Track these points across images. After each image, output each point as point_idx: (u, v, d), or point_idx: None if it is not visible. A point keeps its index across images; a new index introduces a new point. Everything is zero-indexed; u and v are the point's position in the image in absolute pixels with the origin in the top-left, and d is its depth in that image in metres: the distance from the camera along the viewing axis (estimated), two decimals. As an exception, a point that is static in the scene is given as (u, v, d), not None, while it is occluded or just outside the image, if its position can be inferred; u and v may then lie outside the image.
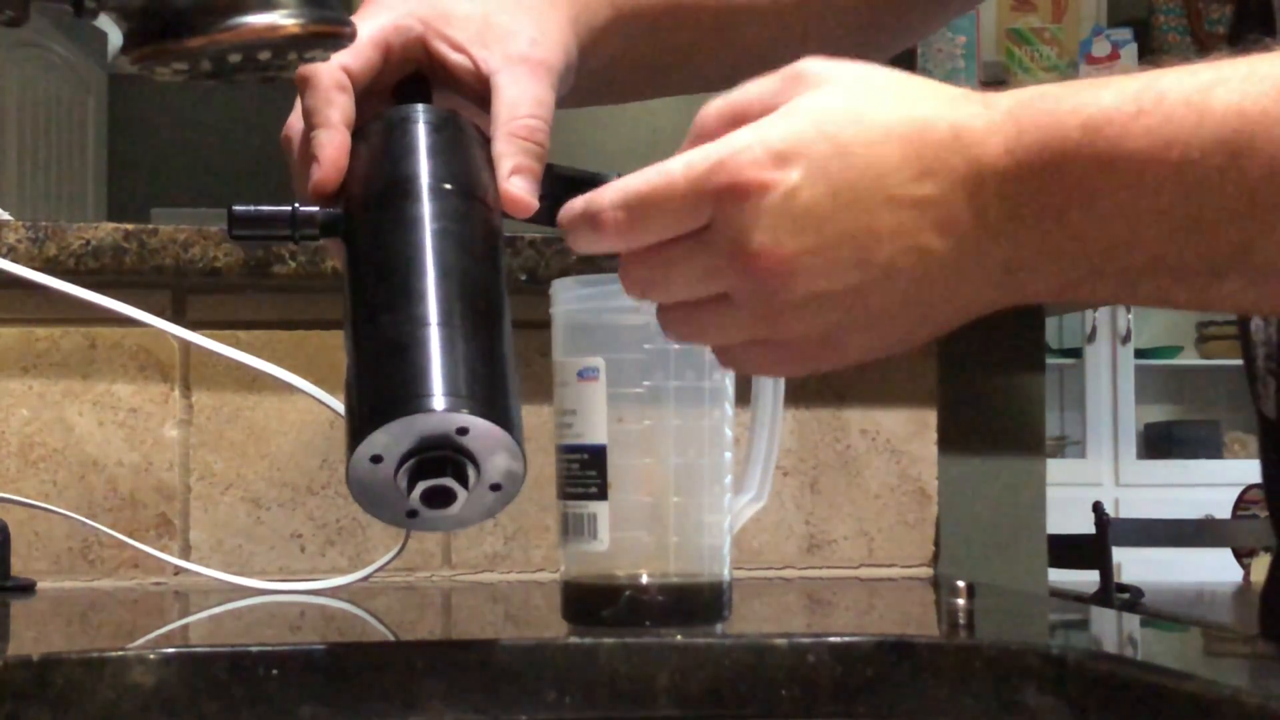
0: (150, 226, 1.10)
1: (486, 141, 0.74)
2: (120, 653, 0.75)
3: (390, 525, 0.70)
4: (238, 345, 1.00)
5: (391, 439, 0.65)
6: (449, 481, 0.66)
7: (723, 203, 0.58)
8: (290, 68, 0.69)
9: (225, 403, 1.13)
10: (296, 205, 0.72)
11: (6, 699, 0.72)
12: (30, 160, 5.23)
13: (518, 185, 0.72)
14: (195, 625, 0.99)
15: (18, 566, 1.06)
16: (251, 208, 0.72)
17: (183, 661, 0.75)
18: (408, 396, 0.65)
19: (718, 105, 0.62)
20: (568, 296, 0.83)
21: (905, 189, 0.57)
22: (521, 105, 0.74)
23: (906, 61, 0.83)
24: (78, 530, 1.10)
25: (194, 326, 1.03)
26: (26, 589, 1.05)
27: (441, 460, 0.66)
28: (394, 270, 0.69)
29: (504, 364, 0.69)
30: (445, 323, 0.67)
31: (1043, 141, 0.56)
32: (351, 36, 0.69)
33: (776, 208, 0.57)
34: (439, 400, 0.65)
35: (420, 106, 0.75)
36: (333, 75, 0.73)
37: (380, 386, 0.66)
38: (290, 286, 1.12)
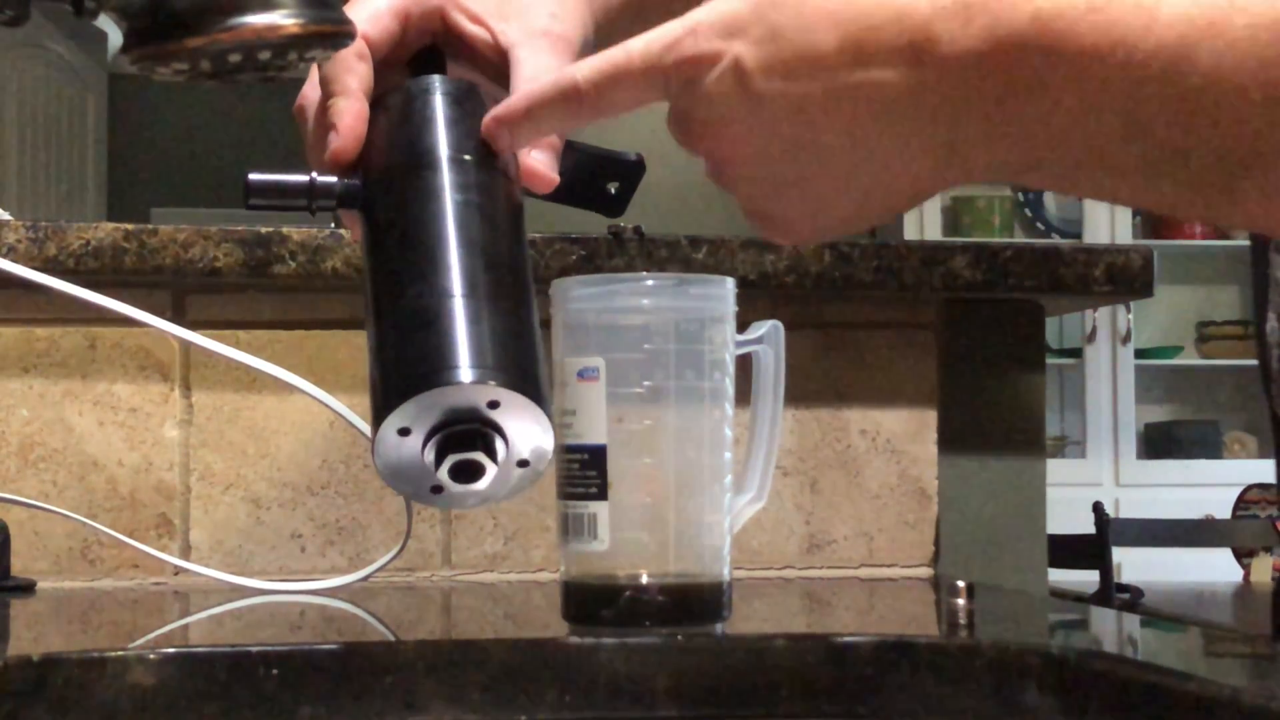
0: (150, 226, 1.10)
1: None
2: (120, 653, 0.75)
3: (415, 501, 0.68)
4: (238, 345, 1.00)
5: (420, 411, 0.64)
6: (478, 455, 0.64)
7: (673, 79, 0.62)
8: (290, 68, 0.69)
9: (225, 403, 1.13)
10: (314, 175, 0.71)
11: (6, 699, 0.72)
12: (30, 160, 5.23)
13: (539, 160, 0.72)
14: (195, 625, 0.99)
15: (18, 566, 1.06)
16: (268, 176, 0.71)
17: (183, 661, 0.75)
18: (438, 368, 0.64)
19: None
20: (567, 296, 0.83)
21: (840, 75, 0.59)
22: (541, 79, 0.74)
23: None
24: (78, 530, 1.10)
25: (194, 326, 1.03)
26: (26, 589, 1.05)
27: (471, 434, 0.64)
28: (417, 241, 0.68)
29: (533, 336, 0.67)
30: (471, 294, 0.66)
31: (990, 28, 0.56)
32: (352, 36, 0.69)
33: (719, 81, 0.60)
34: (469, 372, 0.63)
35: (440, 78, 0.74)
36: (353, 45, 0.73)
37: (409, 358, 0.65)
38: (290, 286, 1.12)
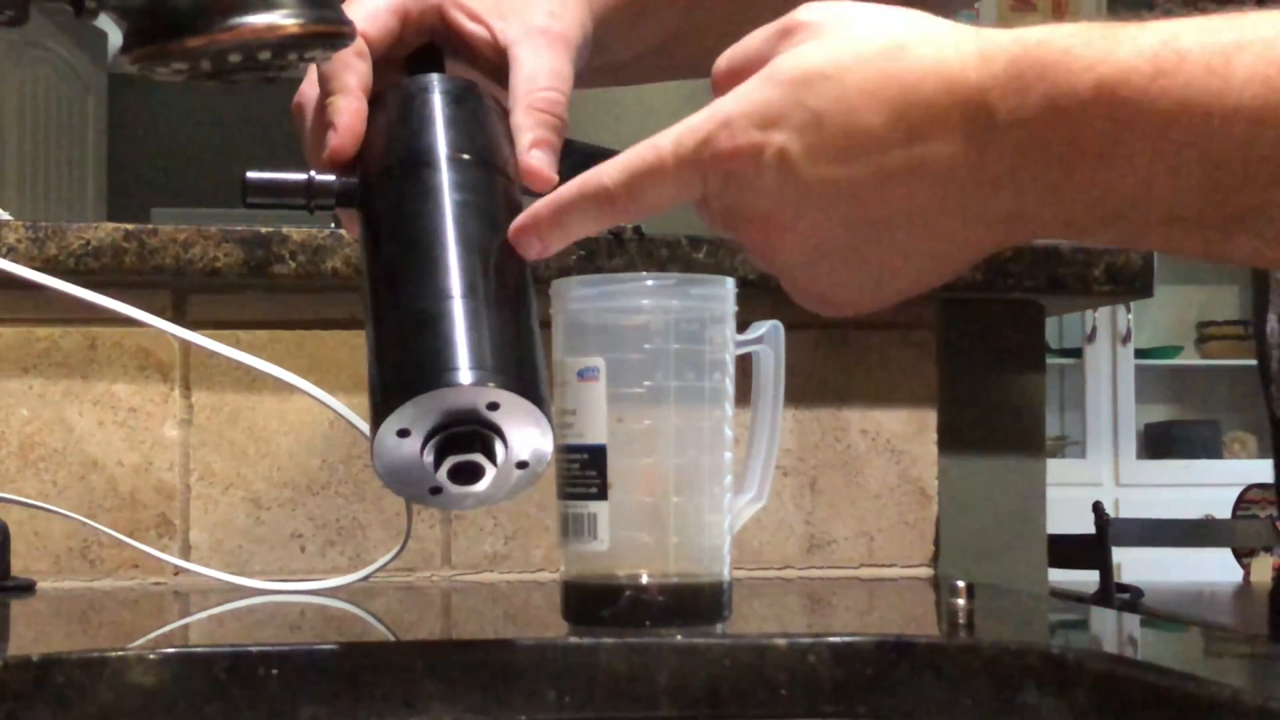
0: (150, 226, 1.10)
1: (505, 114, 0.73)
2: (120, 653, 0.75)
3: (413, 502, 0.69)
4: (238, 345, 1.00)
5: (420, 412, 0.64)
6: (477, 457, 0.64)
7: (711, 176, 0.60)
8: (290, 68, 0.69)
9: (225, 403, 1.13)
10: (313, 174, 0.70)
11: (6, 699, 0.72)
12: (30, 160, 5.23)
13: (538, 158, 0.72)
14: (195, 625, 0.99)
15: (18, 566, 1.06)
16: (266, 175, 0.70)
17: (183, 661, 0.75)
18: (437, 370, 0.63)
19: (725, 58, 0.64)
20: (568, 296, 0.83)
21: (893, 154, 0.57)
22: (540, 77, 0.73)
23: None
24: (78, 530, 1.10)
25: (194, 326, 1.03)
26: (26, 589, 1.05)
27: (470, 435, 0.64)
28: (416, 241, 0.67)
29: (532, 338, 0.67)
30: (470, 295, 0.65)
31: (1051, 97, 0.55)
32: (352, 36, 0.69)
33: (763, 174, 0.59)
34: (468, 374, 0.63)
35: (439, 76, 0.73)
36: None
37: (408, 359, 0.65)
38: (290, 286, 1.12)
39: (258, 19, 0.65)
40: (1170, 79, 0.54)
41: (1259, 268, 0.89)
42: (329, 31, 0.67)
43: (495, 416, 0.64)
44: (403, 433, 0.64)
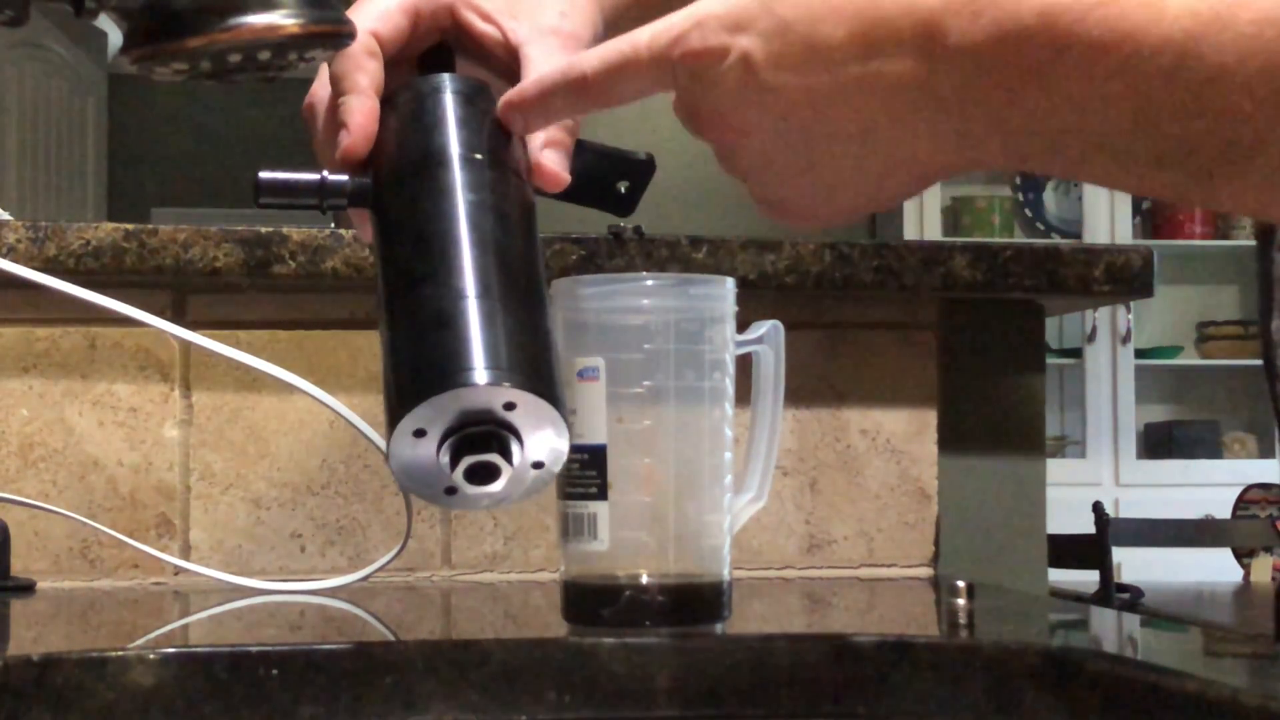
0: (150, 226, 1.10)
1: None
2: (120, 653, 0.75)
3: (430, 503, 0.68)
4: (238, 345, 1.00)
5: (435, 413, 0.63)
6: (494, 458, 0.64)
7: (680, 72, 0.63)
8: (290, 68, 0.69)
9: (225, 403, 1.13)
10: (325, 173, 0.70)
11: (6, 699, 0.72)
12: (30, 160, 5.23)
13: (550, 159, 0.72)
14: (195, 625, 0.99)
15: (18, 566, 1.06)
16: (278, 175, 0.70)
17: (183, 661, 0.75)
18: (453, 370, 0.63)
19: None
20: (568, 296, 0.83)
21: (849, 67, 0.59)
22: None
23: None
24: (78, 530, 1.10)
25: (194, 326, 1.03)
26: (26, 589, 1.05)
27: (487, 436, 0.64)
28: (429, 241, 0.67)
29: (547, 337, 0.67)
30: (485, 294, 0.65)
31: (997, 22, 0.57)
32: (352, 36, 0.69)
33: (727, 75, 0.61)
34: (484, 374, 0.63)
35: (450, 76, 0.73)
36: (363, 41, 0.72)
37: (423, 360, 0.64)
38: (290, 286, 1.12)
39: (258, 19, 0.65)
40: (1107, 9, 0.55)
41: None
42: (329, 31, 0.67)
43: (511, 417, 0.64)
44: (419, 433, 0.64)
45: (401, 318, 0.67)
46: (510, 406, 0.64)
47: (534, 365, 0.65)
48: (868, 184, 0.63)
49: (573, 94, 0.67)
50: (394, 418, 0.64)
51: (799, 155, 0.62)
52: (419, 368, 0.64)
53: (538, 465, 0.67)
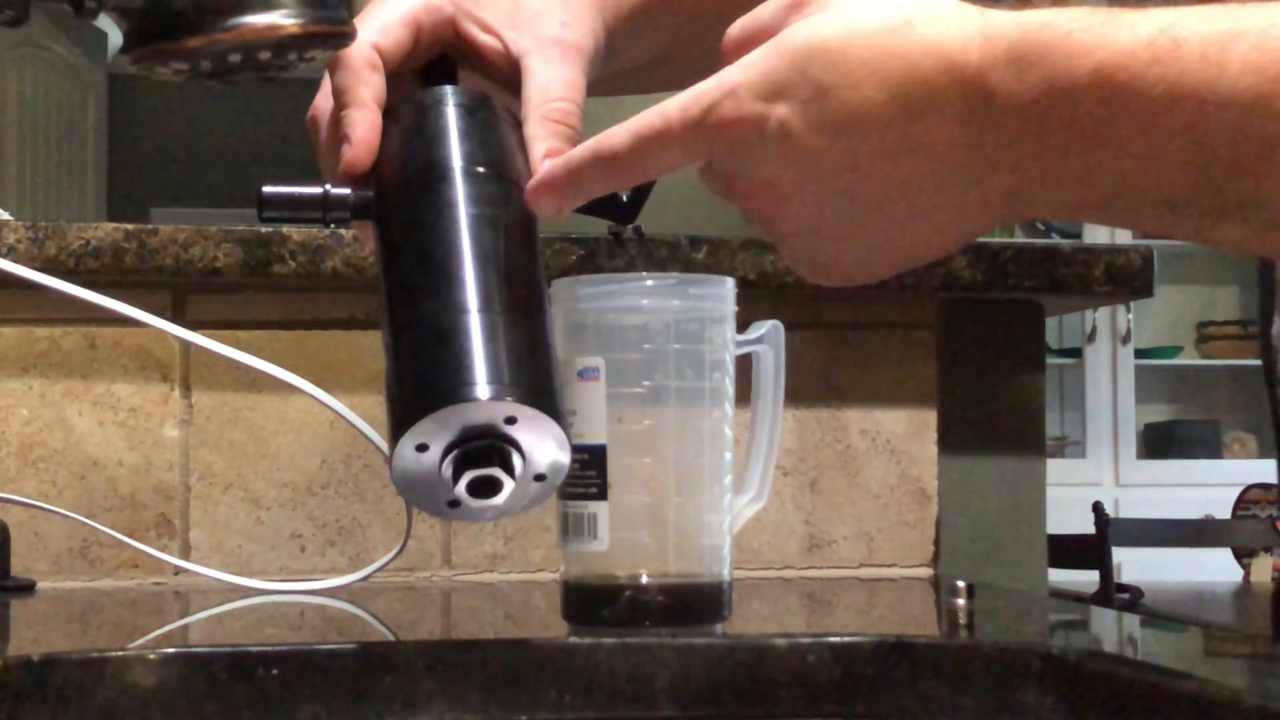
0: (150, 226, 1.10)
1: (518, 125, 0.73)
2: (120, 653, 0.75)
3: (431, 516, 0.69)
4: (238, 345, 1.00)
5: (438, 427, 0.64)
6: (496, 471, 0.64)
7: (715, 143, 0.61)
8: (290, 68, 0.69)
9: (225, 403, 1.13)
10: (328, 187, 0.70)
11: (6, 699, 0.72)
12: (30, 160, 5.23)
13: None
14: (195, 625, 0.99)
15: (18, 566, 1.06)
16: (282, 189, 0.70)
17: (183, 661, 0.75)
18: (455, 385, 0.64)
19: (736, 27, 0.64)
20: (568, 296, 0.83)
21: (892, 130, 0.58)
22: (553, 88, 0.73)
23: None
24: (78, 530, 1.10)
25: (194, 326, 1.03)
26: (26, 589, 1.05)
27: (489, 450, 0.64)
28: (432, 255, 0.68)
29: (548, 351, 0.68)
30: (486, 309, 0.65)
31: (1049, 80, 0.55)
32: (352, 36, 0.69)
33: (765, 143, 0.60)
34: (486, 389, 0.63)
35: (452, 89, 0.74)
36: (364, 54, 0.72)
37: (425, 374, 0.65)
38: (290, 286, 1.12)
39: (258, 19, 0.65)
40: (1166, 66, 0.54)
41: (1248, 254, 0.90)
42: (329, 32, 0.67)
43: (513, 430, 0.65)
44: (421, 447, 0.65)
45: (404, 332, 0.67)
46: (512, 420, 0.64)
47: (535, 379, 0.65)
48: (911, 244, 0.62)
49: (604, 170, 0.66)
50: (396, 432, 0.65)
51: (842, 219, 0.61)
52: (421, 383, 0.65)
53: (539, 478, 0.67)
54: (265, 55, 0.66)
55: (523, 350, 0.66)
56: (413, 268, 0.68)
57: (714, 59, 0.88)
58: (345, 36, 0.68)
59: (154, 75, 0.67)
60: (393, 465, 0.65)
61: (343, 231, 1.10)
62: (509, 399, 0.64)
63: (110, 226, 1.09)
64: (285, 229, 1.10)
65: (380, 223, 0.71)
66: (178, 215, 5.60)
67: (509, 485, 0.65)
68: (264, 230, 1.10)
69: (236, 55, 0.65)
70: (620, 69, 0.84)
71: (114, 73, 5.82)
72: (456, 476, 0.65)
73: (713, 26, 0.87)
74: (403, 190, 0.70)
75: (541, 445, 0.66)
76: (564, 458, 0.67)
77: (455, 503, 0.66)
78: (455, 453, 0.65)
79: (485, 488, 0.65)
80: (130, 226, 1.10)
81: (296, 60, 0.68)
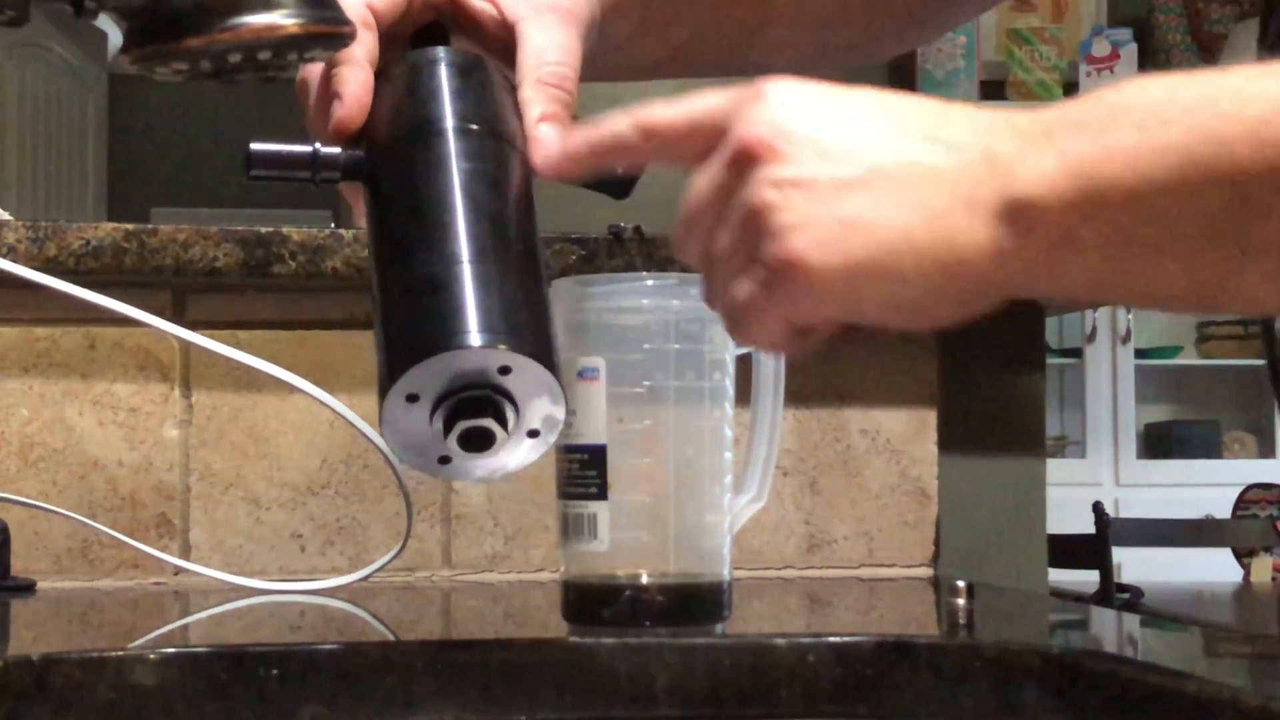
0: (150, 226, 1.10)
1: (513, 89, 0.72)
2: (120, 653, 0.75)
3: (424, 473, 0.67)
4: (238, 345, 1.00)
5: (429, 377, 0.62)
6: (488, 422, 0.63)
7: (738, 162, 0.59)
8: (290, 68, 0.69)
9: (225, 403, 1.13)
10: (318, 145, 0.69)
11: (6, 699, 0.72)
12: (30, 160, 5.23)
13: (546, 133, 0.71)
14: (195, 625, 0.99)
15: (18, 566, 1.06)
16: (271, 146, 0.69)
17: (183, 661, 0.75)
18: (447, 333, 0.62)
19: (678, 111, 0.62)
20: (568, 296, 0.83)
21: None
22: (549, 52, 0.72)
23: (905, 71, 0.83)
24: (78, 530, 1.10)
25: (194, 326, 1.03)
26: (26, 589, 1.05)
27: (481, 400, 0.63)
28: (423, 209, 0.66)
29: (544, 304, 0.66)
30: (479, 259, 0.64)
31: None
32: (352, 36, 0.69)
33: (786, 180, 0.59)
34: (478, 336, 0.62)
35: (445, 49, 0.72)
36: (358, 13, 0.71)
37: (416, 323, 0.63)
38: (290, 286, 1.12)
39: (258, 19, 0.65)
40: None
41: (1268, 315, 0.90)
42: (329, 32, 0.67)
43: (506, 381, 0.63)
44: (411, 398, 0.63)
45: (394, 286, 0.65)
46: (505, 371, 0.63)
47: (530, 330, 0.64)
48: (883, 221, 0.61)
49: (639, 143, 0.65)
50: (386, 383, 0.63)
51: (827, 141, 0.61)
52: (411, 332, 0.63)
53: (533, 433, 0.66)
54: (265, 55, 0.66)
55: (517, 301, 0.64)
56: (404, 223, 0.67)
57: (714, 43, 0.87)
58: (345, 36, 0.68)
59: (154, 75, 0.67)
60: (383, 418, 0.63)
61: (343, 231, 1.10)
62: (502, 347, 0.62)
63: (110, 226, 1.09)
64: (285, 229, 1.10)
65: (371, 182, 0.69)
66: (178, 215, 5.60)
67: (501, 438, 0.63)
68: (264, 230, 1.10)
69: (236, 55, 0.65)
70: (610, 52, 0.83)
71: (114, 73, 5.82)
72: (448, 429, 0.63)
73: (712, 19, 0.87)
74: (395, 148, 0.69)
75: (536, 399, 0.64)
76: (559, 413, 0.65)
77: (447, 459, 0.65)
78: (447, 403, 0.63)
79: (477, 441, 0.63)
80: (130, 226, 1.10)
81: (296, 60, 0.68)
